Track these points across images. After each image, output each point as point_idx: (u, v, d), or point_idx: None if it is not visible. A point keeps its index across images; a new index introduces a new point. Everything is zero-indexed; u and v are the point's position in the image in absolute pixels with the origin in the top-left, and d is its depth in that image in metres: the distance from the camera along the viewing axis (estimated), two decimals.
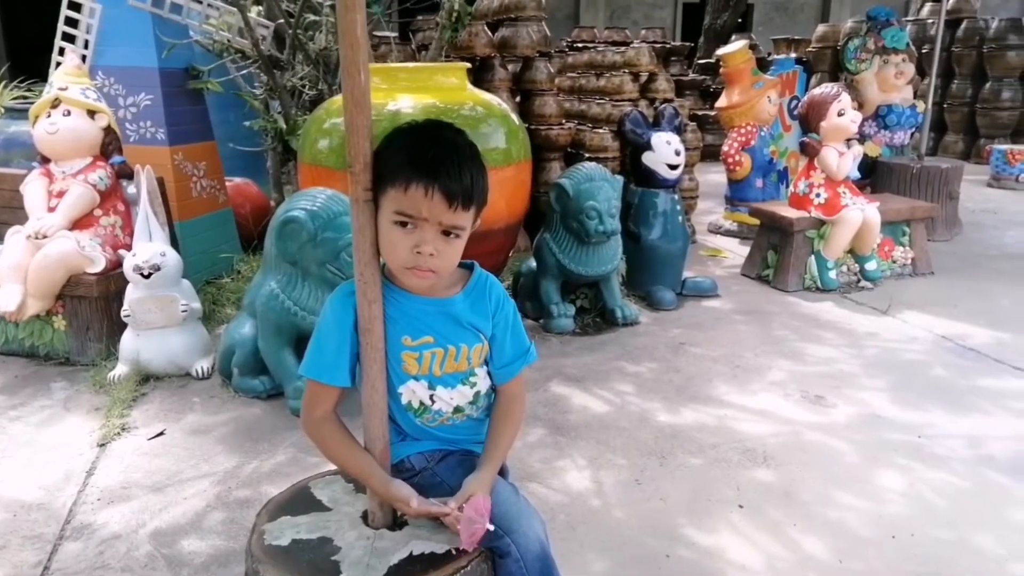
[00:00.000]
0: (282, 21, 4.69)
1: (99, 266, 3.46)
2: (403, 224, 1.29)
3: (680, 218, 4.47)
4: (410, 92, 3.66)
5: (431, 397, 1.43)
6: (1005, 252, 5.57)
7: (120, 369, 3.34)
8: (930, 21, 9.80)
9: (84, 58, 4.22)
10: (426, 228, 1.29)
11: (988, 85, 9.71)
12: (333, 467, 1.60)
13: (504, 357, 1.48)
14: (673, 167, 4.36)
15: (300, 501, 1.48)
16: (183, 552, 2.22)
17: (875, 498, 2.48)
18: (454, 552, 1.31)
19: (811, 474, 2.62)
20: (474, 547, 1.31)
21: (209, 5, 4.53)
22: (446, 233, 1.31)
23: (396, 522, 1.42)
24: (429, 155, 1.28)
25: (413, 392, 1.42)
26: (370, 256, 1.29)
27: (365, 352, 1.33)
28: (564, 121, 5.39)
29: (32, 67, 6.66)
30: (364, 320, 1.31)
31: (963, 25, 9.82)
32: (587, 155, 5.15)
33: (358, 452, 1.40)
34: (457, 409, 1.46)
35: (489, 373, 1.49)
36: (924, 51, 8.55)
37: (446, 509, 1.33)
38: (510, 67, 5.29)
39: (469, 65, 4.27)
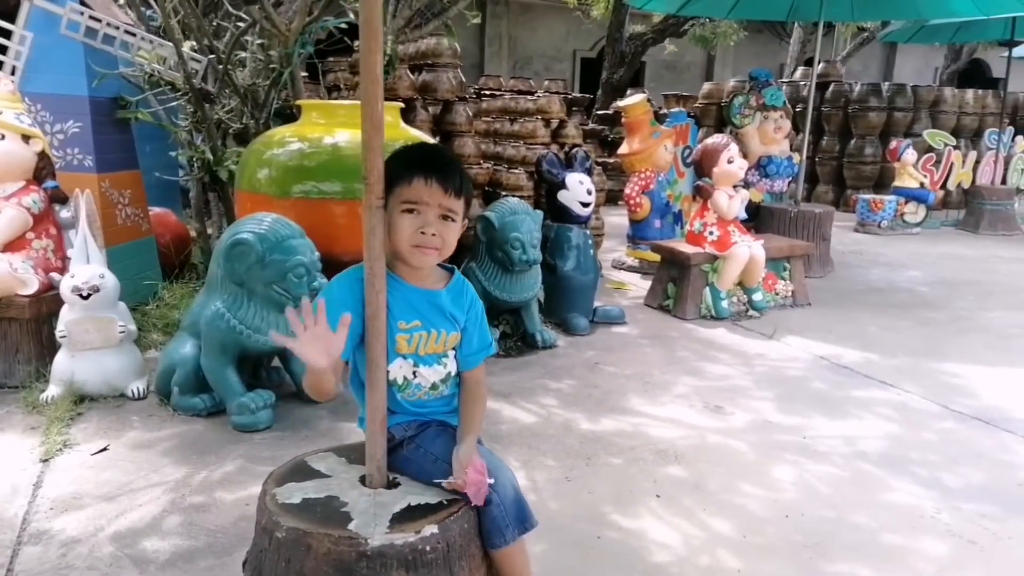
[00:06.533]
0: (213, 56, 4.83)
1: (32, 288, 3.49)
2: (410, 211, 1.59)
3: (591, 252, 4.86)
4: (347, 127, 3.86)
5: (414, 373, 1.69)
6: (870, 287, 6.29)
7: (52, 390, 3.35)
8: (803, 83, 10.83)
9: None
10: (428, 212, 1.60)
11: (853, 142, 10.78)
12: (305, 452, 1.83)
13: (472, 347, 1.77)
14: (585, 204, 4.77)
15: (300, 472, 1.69)
16: (146, 551, 2.32)
17: (771, 487, 2.86)
18: (444, 503, 1.56)
19: (716, 469, 2.98)
20: (483, 501, 1.57)
21: (142, 38, 4.63)
22: (444, 217, 1.62)
23: (390, 484, 1.64)
24: (425, 155, 1.64)
25: (399, 368, 1.68)
26: (379, 253, 1.54)
27: (370, 335, 1.57)
28: (482, 161, 5.73)
29: None
30: (371, 307, 1.55)
31: (831, 88, 10.89)
32: (504, 193, 5.47)
33: None
34: (433, 386, 1.73)
35: (456, 359, 1.76)
36: (798, 109, 9.29)
37: (457, 483, 1.58)
38: (431, 109, 5.60)
39: (403, 105, 4.55)
